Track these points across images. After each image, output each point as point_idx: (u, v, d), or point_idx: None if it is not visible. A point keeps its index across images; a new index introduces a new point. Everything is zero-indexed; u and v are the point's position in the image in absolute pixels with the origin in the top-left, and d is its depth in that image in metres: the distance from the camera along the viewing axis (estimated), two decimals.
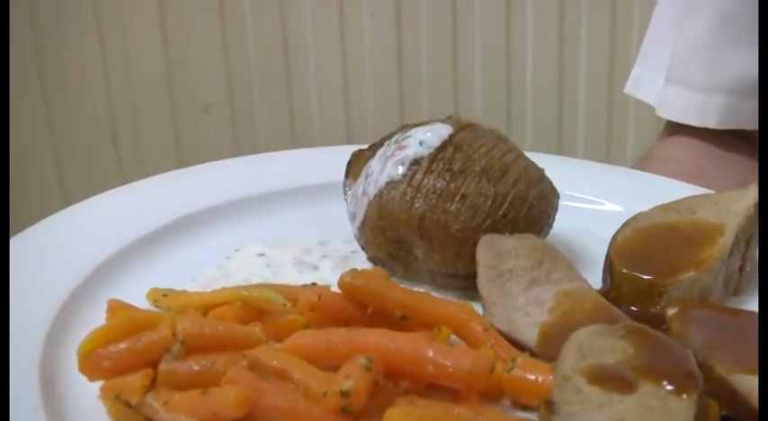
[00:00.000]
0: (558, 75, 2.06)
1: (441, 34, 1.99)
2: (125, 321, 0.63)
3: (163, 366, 0.60)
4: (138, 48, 1.84)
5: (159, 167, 1.02)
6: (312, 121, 1.99)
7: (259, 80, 1.94)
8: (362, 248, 0.84)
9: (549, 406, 0.53)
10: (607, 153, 2.11)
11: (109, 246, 0.83)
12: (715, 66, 1.14)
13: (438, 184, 0.78)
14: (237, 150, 1.91)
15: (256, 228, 0.91)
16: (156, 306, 0.74)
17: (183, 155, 1.91)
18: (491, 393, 0.63)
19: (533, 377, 0.63)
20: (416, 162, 0.79)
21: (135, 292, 0.75)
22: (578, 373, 0.56)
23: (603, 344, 0.59)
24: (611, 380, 0.55)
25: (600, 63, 2.05)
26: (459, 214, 0.77)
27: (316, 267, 0.84)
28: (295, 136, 1.99)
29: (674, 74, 1.19)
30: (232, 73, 1.92)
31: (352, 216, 0.83)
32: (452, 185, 0.78)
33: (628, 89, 1.30)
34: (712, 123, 1.15)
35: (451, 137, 0.81)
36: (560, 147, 2.07)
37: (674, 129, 1.22)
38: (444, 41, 2.00)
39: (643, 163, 1.20)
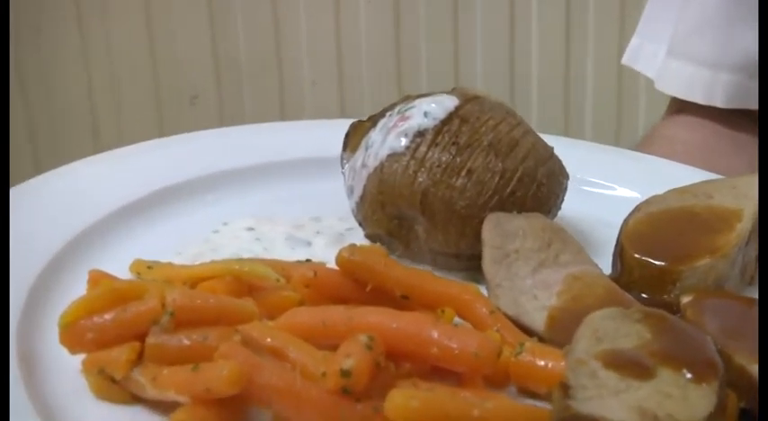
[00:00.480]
0: (565, 51, 2.06)
1: (440, 21, 1.98)
2: (110, 291, 0.63)
3: (151, 339, 0.60)
4: (120, 35, 1.82)
5: None
6: (305, 114, 1.98)
7: (249, 70, 1.92)
8: (360, 224, 0.84)
9: (564, 389, 0.53)
10: (616, 135, 2.11)
11: (87, 215, 0.83)
12: (723, 40, 1.13)
13: (443, 158, 0.78)
14: None
15: (246, 201, 0.91)
16: (141, 278, 0.74)
17: None
18: (497, 379, 0.63)
19: (542, 363, 0.63)
20: (420, 134, 0.79)
21: (116, 265, 0.74)
22: (593, 358, 0.56)
23: (619, 328, 0.59)
24: (629, 365, 0.55)
25: (609, 38, 2.04)
26: (464, 190, 0.77)
27: (309, 243, 0.84)
28: None
29: (678, 46, 1.18)
30: (220, 62, 1.90)
31: (350, 190, 0.83)
32: (458, 159, 0.77)
33: (626, 60, 1.30)
34: (719, 102, 1.15)
35: (458, 109, 0.81)
36: (567, 130, 2.07)
37: (680, 107, 1.22)
38: (444, 29, 1.99)
39: (647, 144, 1.20)
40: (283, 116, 1.97)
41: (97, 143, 1.87)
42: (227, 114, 1.94)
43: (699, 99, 1.16)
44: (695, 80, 1.16)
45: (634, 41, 1.28)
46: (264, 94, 1.95)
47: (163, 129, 1.90)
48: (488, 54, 2.03)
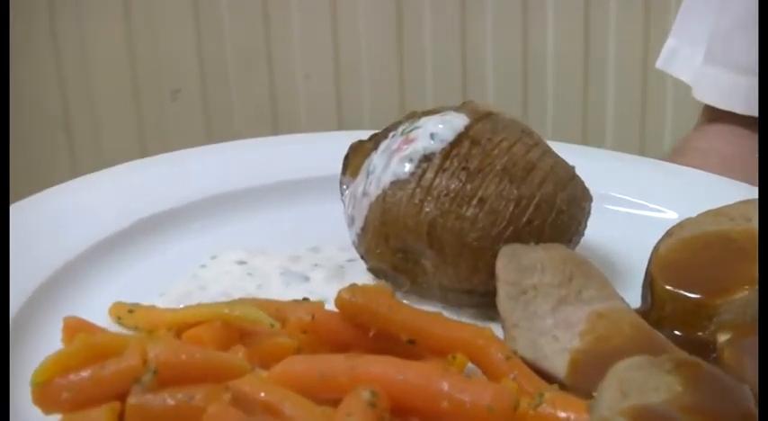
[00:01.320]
0: (583, 52, 2.05)
1: (447, 9, 1.98)
2: (87, 345, 0.63)
3: (132, 400, 0.60)
4: (93, 22, 1.83)
5: (118, 161, 1.01)
6: (298, 111, 1.98)
7: (236, 63, 1.93)
8: (361, 257, 0.84)
9: None
10: (640, 146, 2.11)
11: (61, 252, 0.83)
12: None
13: (452, 185, 0.78)
14: (209, 143, 1.90)
15: (236, 230, 0.91)
16: (121, 324, 0.74)
17: (147, 149, 1.90)
18: None
19: (564, 415, 0.63)
20: (427, 158, 0.79)
21: (94, 308, 0.75)
22: (618, 415, 0.56)
23: (648, 380, 0.59)
24: None
25: (632, 36, 2.04)
26: (476, 221, 0.77)
27: (306, 278, 0.84)
28: (278, 128, 1.98)
29: (716, 52, 1.18)
30: (204, 53, 1.91)
31: (351, 220, 0.83)
32: (468, 187, 0.78)
33: (660, 64, 1.30)
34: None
35: (468, 129, 0.81)
36: (586, 140, 2.07)
37: (714, 116, 1.22)
38: (451, 18, 1.99)
39: (677, 156, 1.20)
40: (275, 111, 1.97)
41: (70, 140, 1.88)
42: (211, 111, 1.95)
43: (738, 108, 1.16)
44: (734, 88, 1.16)
45: (669, 43, 1.28)
46: (253, 88, 1.95)
47: (141, 127, 1.91)
48: (499, 49, 2.03)
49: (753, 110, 1.15)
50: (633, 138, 2.12)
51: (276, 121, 1.98)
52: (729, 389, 0.59)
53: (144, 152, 1.86)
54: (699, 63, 1.20)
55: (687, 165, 1.07)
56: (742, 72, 1.15)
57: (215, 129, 1.95)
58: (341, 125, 1.99)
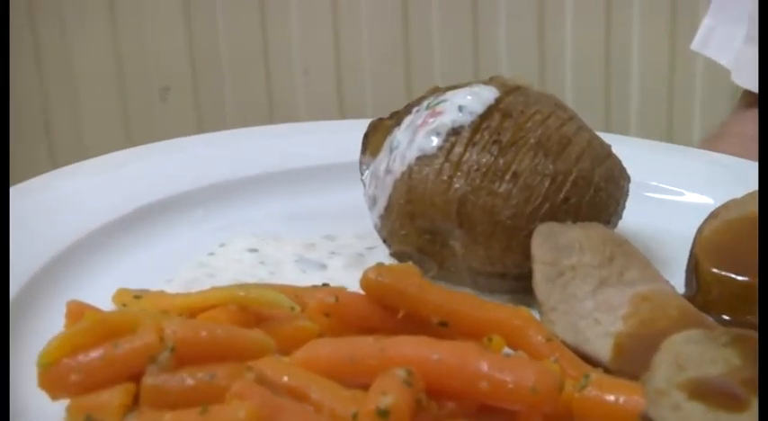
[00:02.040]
0: (605, 33, 2.06)
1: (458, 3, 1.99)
2: (97, 323, 0.63)
3: (147, 380, 0.60)
4: (78, 19, 1.83)
5: None
6: (297, 109, 1.98)
7: (229, 57, 1.93)
8: (384, 241, 0.84)
9: None
10: (668, 132, 2.11)
11: (60, 238, 0.84)
12: None
13: (483, 160, 0.78)
14: None
15: (247, 218, 0.92)
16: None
17: None
18: (559, 418, 0.64)
19: (612, 397, 0.63)
20: (455, 132, 0.80)
21: (97, 295, 0.75)
22: (675, 388, 0.57)
23: (704, 353, 0.59)
24: (718, 395, 0.56)
25: (657, 16, 2.04)
26: (509, 197, 0.78)
27: (323, 266, 0.85)
28: None
29: (755, 30, 1.19)
30: (195, 47, 1.91)
31: (372, 200, 0.84)
32: (501, 161, 0.78)
33: (696, 45, 1.30)
34: None
35: (498, 101, 0.82)
36: (608, 125, 2.07)
37: (753, 99, 1.22)
38: (461, 8, 1.99)
39: (715, 142, 1.21)
40: (271, 109, 1.97)
41: (51, 142, 1.88)
42: (204, 109, 1.95)
43: None
44: None
45: (706, 22, 1.28)
46: (248, 85, 1.96)
47: (129, 126, 1.91)
48: (514, 36, 2.03)
49: None
50: (659, 127, 2.12)
51: (273, 120, 1.98)
52: None
53: None
54: (738, 44, 1.20)
55: (724, 152, 1.08)
56: None
57: (207, 129, 1.93)
58: None
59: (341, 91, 2.00)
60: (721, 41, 1.26)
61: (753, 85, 1.21)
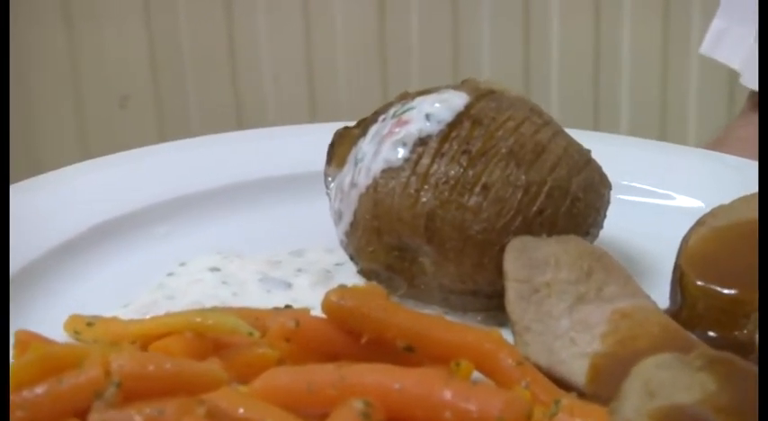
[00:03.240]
0: (594, 29, 2.06)
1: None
2: (42, 357, 0.64)
3: (93, 417, 0.61)
4: (32, 23, 1.83)
5: None
6: (266, 117, 1.98)
7: (193, 63, 1.93)
8: (351, 258, 0.85)
9: None
10: (661, 132, 2.11)
11: (13, 258, 0.84)
12: None
13: (451, 172, 0.79)
14: None
15: (208, 234, 0.93)
16: (79, 339, 0.75)
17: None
18: None
19: None
20: (422, 142, 0.81)
21: (48, 322, 0.75)
22: (645, 417, 0.57)
23: (677, 379, 0.60)
24: None
25: (649, 11, 2.04)
26: (479, 211, 0.78)
27: (289, 285, 0.86)
28: None
29: None
30: (156, 54, 1.91)
31: (338, 215, 0.85)
32: (470, 172, 0.79)
33: (705, 48, 1.29)
34: None
35: (468, 108, 0.82)
36: (597, 125, 2.07)
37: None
38: (441, 9, 1.99)
39: (719, 145, 1.21)
40: (239, 118, 1.97)
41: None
42: (166, 118, 1.94)
43: None
44: None
45: (716, 24, 1.27)
46: (214, 92, 1.96)
47: (86, 137, 1.90)
48: (497, 36, 2.03)
49: None
50: (652, 131, 2.12)
51: (241, 128, 1.97)
52: None
53: None
54: (751, 45, 1.20)
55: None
56: None
57: (170, 140, 1.94)
58: None
59: (313, 97, 2.00)
60: (733, 43, 1.25)
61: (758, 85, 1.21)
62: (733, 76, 1.32)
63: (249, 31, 1.94)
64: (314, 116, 1.99)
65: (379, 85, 2.00)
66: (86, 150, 1.90)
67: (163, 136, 1.93)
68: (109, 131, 1.92)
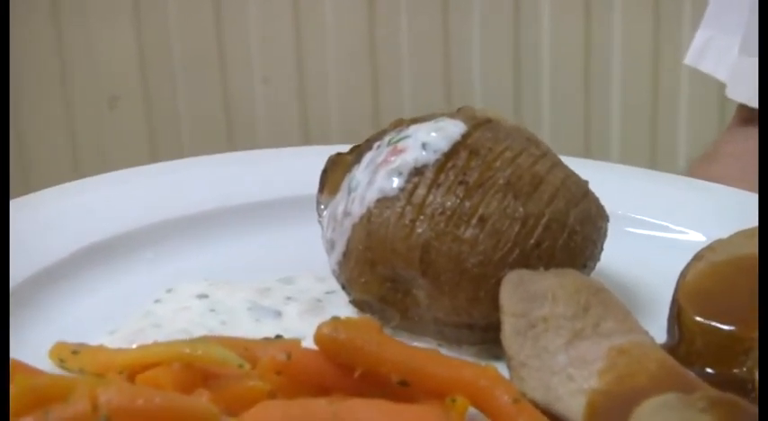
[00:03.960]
0: (584, 48, 2.06)
1: (428, 3, 1.99)
2: (27, 389, 0.63)
3: None
4: (19, 22, 1.83)
5: (48, 181, 1.01)
6: (256, 119, 1.98)
7: (183, 64, 1.93)
8: (343, 288, 0.85)
9: None
10: (651, 160, 2.11)
11: None
12: None
13: (448, 202, 0.79)
14: (153, 158, 1.90)
15: (196, 260, 0.92)
16: (64, 368, 0.74)
17: (80, 165, 1.90)
18: None
19: None
20: (418, 171, 0.80)
21: (32, 350, 0.75)
22: None
23: None
24: None
25: (640, 29, 2.04)
26: (476, 243, 0.78)
27: (278, 314, 0.85)
28: (233, 139, 1.98)
29: (751, 40, 1.18)
30: (146, 54, 1.91)
31: (330, 245, 0.84)
32: (467, 204, 0.79)
33: (690, 59, 1.29)
34: None
35: (465, 137, 0.82)
36: (588, 151, 2.07)
37: (749, 115, 1.22)
38: (432, 13, 1.99)
39: (708, 162, 1.20)
40: (228, 120, 1.97)
41: None
42: (156, 119, 1.94)
43: None
44: None
45: (701, 34, 1.27)
46: (203, 92, 1.96)
47: (75, 138, 1.90)
48: (487, 41, 2.03)
49: None
50: (642, 151, 2.13)
51: (230, 131, 1.98)
52: None
53: (76, 169, 1.86)
54: (735, 55, 1.19)
55: (719, 173, 1.08)
56: None
57: (160, 141, 1.94)
58: (305, 136, 1.99)
59: (303, 99, 2.00)
60: (718, 54, 1.24)
61: (749, 98, 1.20)
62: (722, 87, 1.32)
63: (239, 33, 1.94)
64: (304, 117, 1.99)
65: (370, 87, 2.00)
66: (76, 150, 1.90)
67: (152, 136, 1.93)
68: (98, 132, 1.91)
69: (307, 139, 2.00)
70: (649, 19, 2.05)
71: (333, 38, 1.98)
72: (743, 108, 1.24)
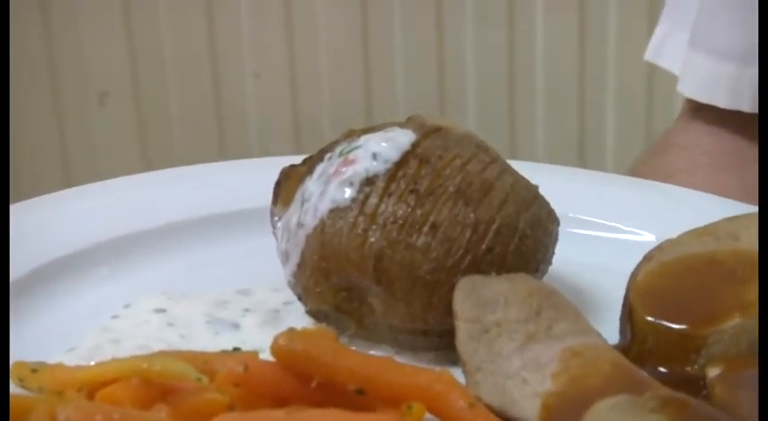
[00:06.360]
0: (578, 54, 2.06)
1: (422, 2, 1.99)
2: None
3: None
4: (10, 16, 1.81)
5: (36, 183, 1.01)
6: (247, 116, 1.97)
7: (173, 60, 1.92)
8: (299, 298, 0.85)
9: None
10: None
11: None
12: (753, 24, 1.11)
13: (399, 211, 0.79)
14: (143, 155, 1.89)
15: (153, 274, 0.92)
16: (24, 386, 0.74)
17: (71, 163, 1.88)
18: None
19: None
20: (369, 181, 0.81)
21: None
22: None
23: None
24: None
25: (635, 35, 2.04)
26: (428, 250, 0.79)
27: (236, 326, 0.85)
28: (223, 135, 1.96)
29: (699, 35, 1.18)
30: (136, 49, 1.89)
31: (285, 256, 0.85)
32: (418, 212, 0.79)
33: (649, 55, 1.29)
34: (746, 105, 1.15)
35: (414, 146, 0.82)
36: (583, 157, 2.06)
37: (697, 106, 1.22)
38: (425, 10, 1.99)
39: (659, 153, 1.21)
40: (220, 115, 1.95)
41: None
42: (146, 115, 1.93)
43: (721, 102, 1.17)
44: (717, 78, 1.16)
45: (660, 30, 1.28)
46: (193, 90, 1.95)
47: (64, 134, 1.88)
48: (481, 41, 2.03)
49: (739, 103, 1.16)
50: (640, 151, 2.12)
51: (221, 127, 1.97)
52: None
53: (66, 166, 1.84)
54: (686, 50, 1.20)
55: (671, 165, 1.08)
56: (726, 58, 1.15)
57: (150, 138, 1.93)
58: (297, 132, 1.98)
59: (295, 95, 1.99)
60: (675, 49, 1.24)
61: (696, 93, 1.20)
62: None
63: (230, 27, 1.93)
64: (295, 113, 1.98)
65: (362, 80, 2.00)
66: (65, 147, 1.89)
67: (142, 133, 1.92)
68: (88, 128, 1.90)
69: (298, 135, 1.99)
70: (644, 21, 2.05)
71: (325, 33, 1.98)
72: (690, 102, 1.25)
